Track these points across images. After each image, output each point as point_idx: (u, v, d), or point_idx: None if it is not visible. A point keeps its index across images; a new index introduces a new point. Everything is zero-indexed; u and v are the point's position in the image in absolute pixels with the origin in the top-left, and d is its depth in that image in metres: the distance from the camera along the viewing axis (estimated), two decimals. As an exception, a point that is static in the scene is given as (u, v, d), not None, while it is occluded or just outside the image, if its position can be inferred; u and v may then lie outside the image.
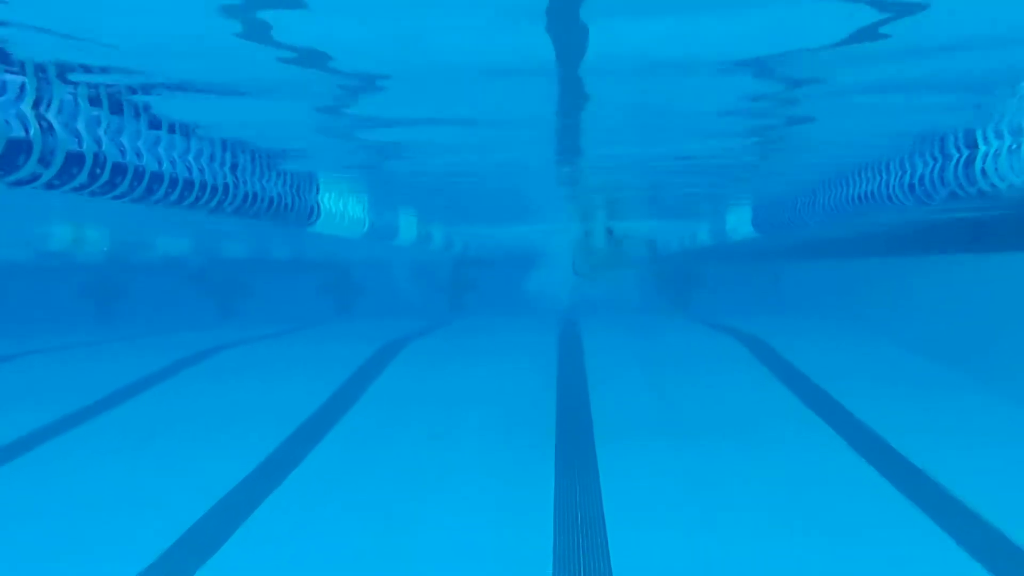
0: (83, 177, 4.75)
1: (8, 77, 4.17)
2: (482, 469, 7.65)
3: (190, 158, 6.15)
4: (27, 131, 4.20)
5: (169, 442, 8.91)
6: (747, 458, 7.84)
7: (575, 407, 10.07)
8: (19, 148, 4.14)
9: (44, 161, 4.36)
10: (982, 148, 5.60)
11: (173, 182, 5.89)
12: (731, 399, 10.33)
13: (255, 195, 7.30)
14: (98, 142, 4.91)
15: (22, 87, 4.21)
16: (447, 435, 8.89)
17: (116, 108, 5.05)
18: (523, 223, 13.16)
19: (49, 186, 4.53)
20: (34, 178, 4.38)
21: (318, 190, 9.31)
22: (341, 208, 10.18)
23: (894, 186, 7.02)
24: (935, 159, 6.25)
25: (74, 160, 4.67)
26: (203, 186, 6.34)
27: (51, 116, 4.48)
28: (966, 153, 5.83)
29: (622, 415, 9.44)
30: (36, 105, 4.39)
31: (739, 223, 13.87)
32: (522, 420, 9.41)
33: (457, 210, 11.42)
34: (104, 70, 4.79)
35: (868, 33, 4.00)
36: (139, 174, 5.38)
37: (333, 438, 9.01)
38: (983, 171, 5.50)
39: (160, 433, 9.34)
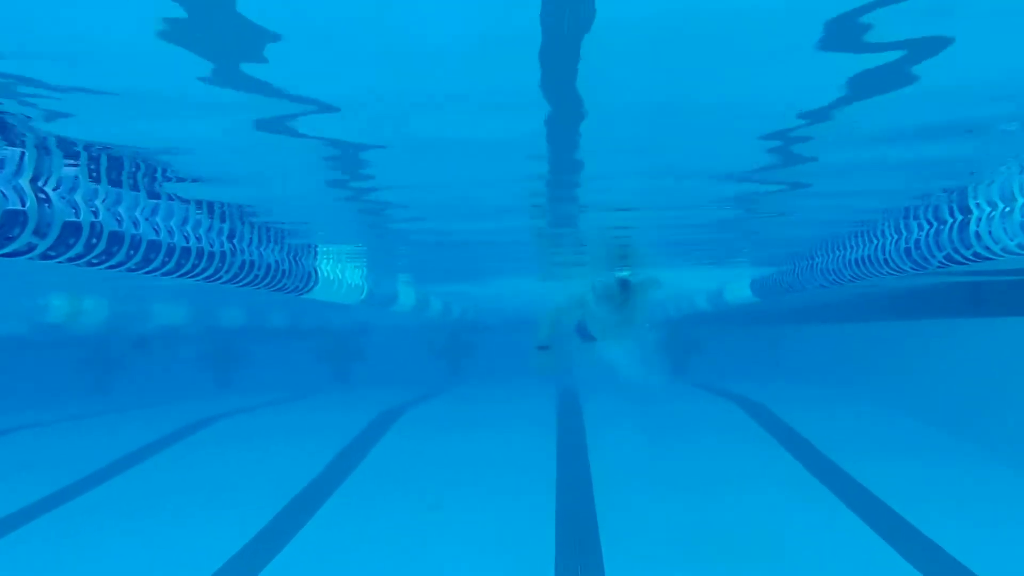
0: (79, 247, 4.76)
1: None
2: (480, 542, 7.54)
3: (188, 228, 6.17)
4: (23, 203, 4.21)
5: (166, 513, 8.84)
6: (746, 524, 7.76)
7: (576, 479, 9.96)
8: (15, 219, 4.15)
9: (40, 232, 4.36)
10: (975, 213, 5.64)
11: (170, 250, 5.90)
12: (731, 466, 10.23)
13: (252, 263, 7.31)
14: (95, 212, 4.93)
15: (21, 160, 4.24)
16: (444, 506, 8.78)
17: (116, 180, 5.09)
18: (521, 276, 12.38)
19: (44, 257, 4.53)
20: (30, 249, 4.38)
21: (316, 257, 9.31)
22: (339, 275, 10.18)
23: (890, 250, 7.04)
24: (930, 223, 6.29)
25: (71, 230, 4.68)
26: (200, 254, 6.35)
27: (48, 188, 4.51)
28: (960, 218, 5.87)
29: (623, 487, 9.32)
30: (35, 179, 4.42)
31: (738, 287, 13.89)
32: (522, 490, 9.30)
33: (453, 266, 10.97)
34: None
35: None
36: (135, 243, 5.39)
37: (329, 508, 8.92)
38: (977, 235, 5.53)
39: (157, 504, 9.26)
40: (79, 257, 4.81)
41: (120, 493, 9.99)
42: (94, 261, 5.02)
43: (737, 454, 10.96)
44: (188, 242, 6.04)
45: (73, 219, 4.64)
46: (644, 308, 10.06)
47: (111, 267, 5.31)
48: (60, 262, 4.76)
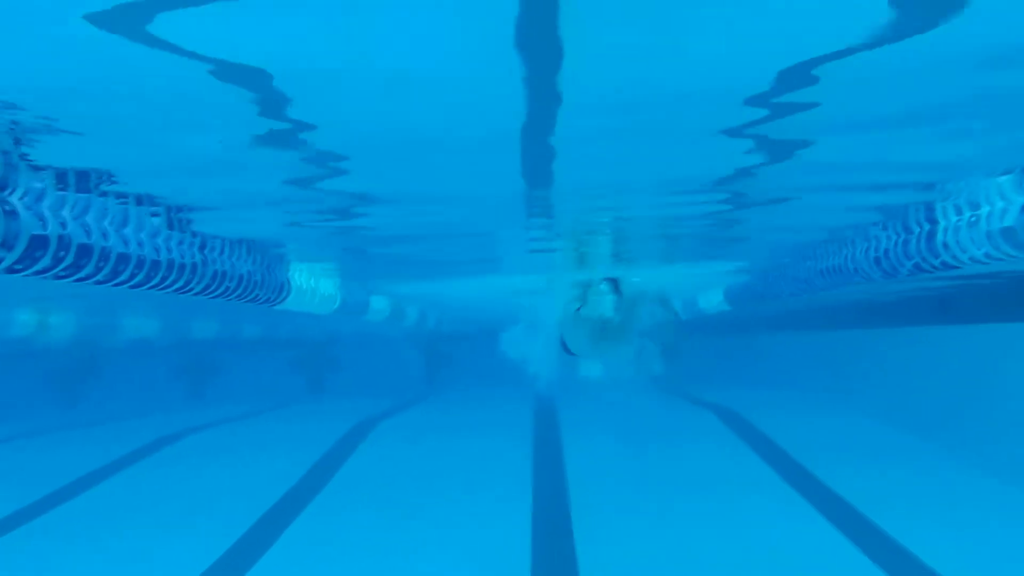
0: (47, 260, 4.71)
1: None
2: (457, 551, 7.53)
3: (159, 240, 6.11)
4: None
5: (139, 527, 8.75)
6: (721, 532, 7.79)
7: (552, 487, 9.97)
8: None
9: (7, 245, 4.32)
10: (942, 223, 5.70)
11: (140, 262, 5.85)
12: (707, 474, 10.27)
13: (224, 273, 7.25)
14: (63, 224, 4.88)
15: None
16: (421, 516, 8.76)
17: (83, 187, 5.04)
18: (500, 275, 11.74)
19: (10, 271, 4.48)
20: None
21: (288, 267, 9.26)
22: (312, 285, 10.12)
23: (860, 259, 7.10)
24: (898, 233, 6.35)
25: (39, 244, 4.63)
26: (171, 265, 6.29)
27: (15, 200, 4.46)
28: (927, 227, 5.93)
29: (600, 495, 9.33)
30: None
31: (712, 295, 13.95)
32: (498, 499, 9.30)
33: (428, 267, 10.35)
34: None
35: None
36: (105, 255, 5.34)
37: (305, 519, 8.87)
38: (945, 244, 5.59)
39: (129, 519, 9.17)
40: (46, 270, 4.76)
41: (92, 507, 9.89)
42: (62, 274, 4.97)
43: (712, 461, 11.00)
44: (159, 254, 5.99)
45: (40, 232, 4.60)
46: (640, 317, 9.76)
47: (79, 280, 5.26)
48: (27, 275, 4.72)
